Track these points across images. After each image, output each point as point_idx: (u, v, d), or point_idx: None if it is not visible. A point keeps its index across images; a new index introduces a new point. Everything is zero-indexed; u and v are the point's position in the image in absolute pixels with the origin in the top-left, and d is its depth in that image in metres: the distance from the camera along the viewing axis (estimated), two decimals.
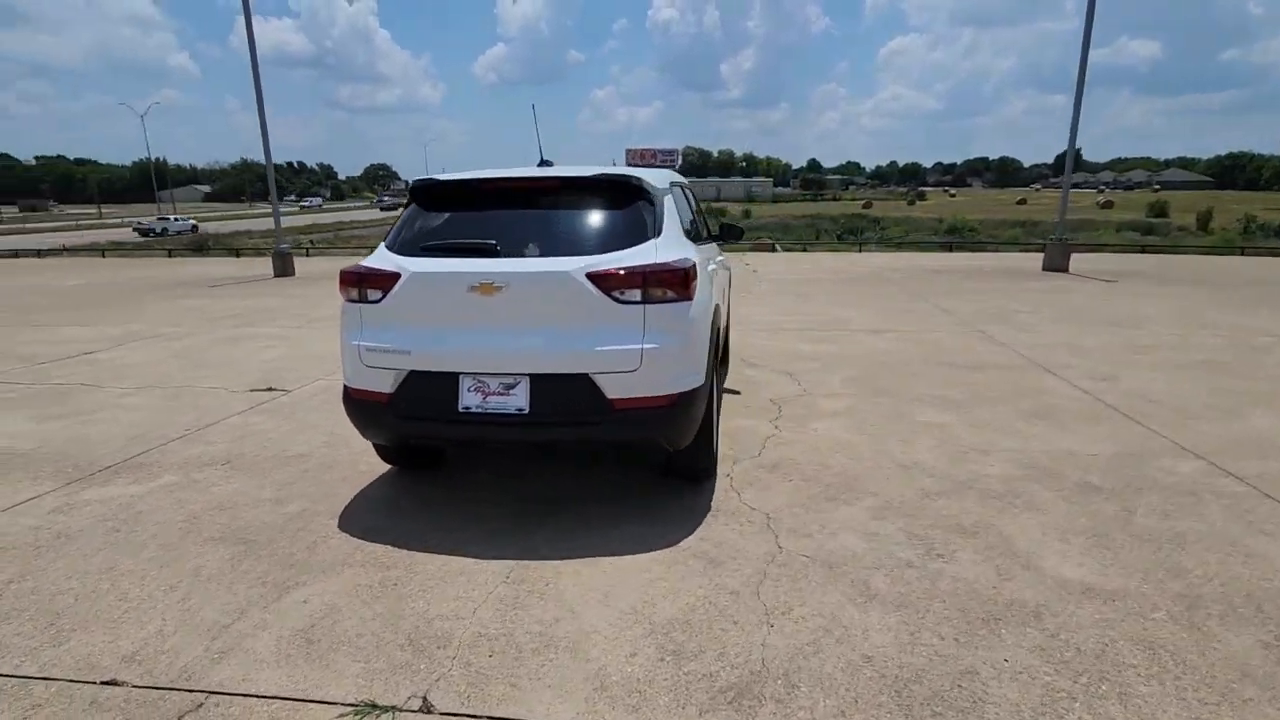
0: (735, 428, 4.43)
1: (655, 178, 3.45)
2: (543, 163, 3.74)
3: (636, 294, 2.88)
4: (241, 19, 14.30)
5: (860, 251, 21.13)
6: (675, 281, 2.95)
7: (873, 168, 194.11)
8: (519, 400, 2.92)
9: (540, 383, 2.90)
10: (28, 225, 54.24)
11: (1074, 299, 9.79)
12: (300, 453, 4.10)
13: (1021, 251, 19.40)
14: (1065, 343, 6.79)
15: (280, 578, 2.74)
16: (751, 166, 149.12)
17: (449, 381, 2.96)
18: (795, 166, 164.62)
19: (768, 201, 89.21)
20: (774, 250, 29.80)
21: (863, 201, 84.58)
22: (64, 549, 3.01)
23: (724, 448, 4.06)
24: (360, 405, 3.13)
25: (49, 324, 9.08)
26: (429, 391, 2.98)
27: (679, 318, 2.97)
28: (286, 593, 2.63)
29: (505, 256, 2.97)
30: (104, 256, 24.13)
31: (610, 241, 3.02)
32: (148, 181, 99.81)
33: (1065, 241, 13.88)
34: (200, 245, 28.02)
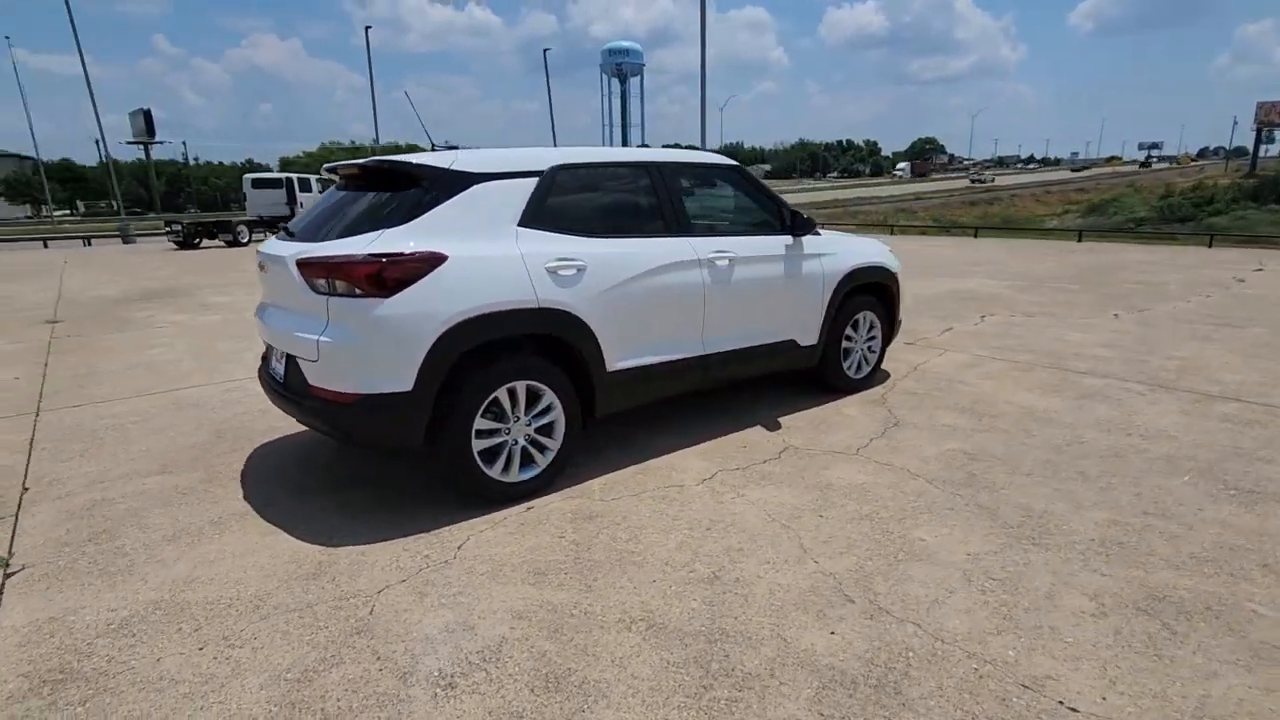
0: (664, 465, 3.60)
1: (475, 163, 3.10)
2: (434, 147, 3.68)
3: (324, 284, 2.81)
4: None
5: None
6: (359, 276, 2.75)
7: None
8: (281, 370, 3.21)
9: (289, 359, 3.13)
10: None
11: None
12: None
13: None
14: None
15: (173, 465, 3.75)
16: None
17: (270, 349, 3.44)
18: None
19: None
20: None
21: None
22: (179, 412, 4.67)
23: (599, 480, 3.42)
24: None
25: None
26: (267, 355, 3.52)
27: (364, 315, 2.76)
28: (157, 476, 3.62)
29: (298, 240, 3.22)
30: None
31: (353, 228, 2.96)
32: None
33: None
34: None
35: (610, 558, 2.73)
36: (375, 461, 3.73)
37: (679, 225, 3.70)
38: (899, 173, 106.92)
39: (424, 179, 3.03)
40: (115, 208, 38.01)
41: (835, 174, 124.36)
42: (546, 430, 3.27)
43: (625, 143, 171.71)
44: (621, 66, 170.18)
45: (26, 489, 3.49)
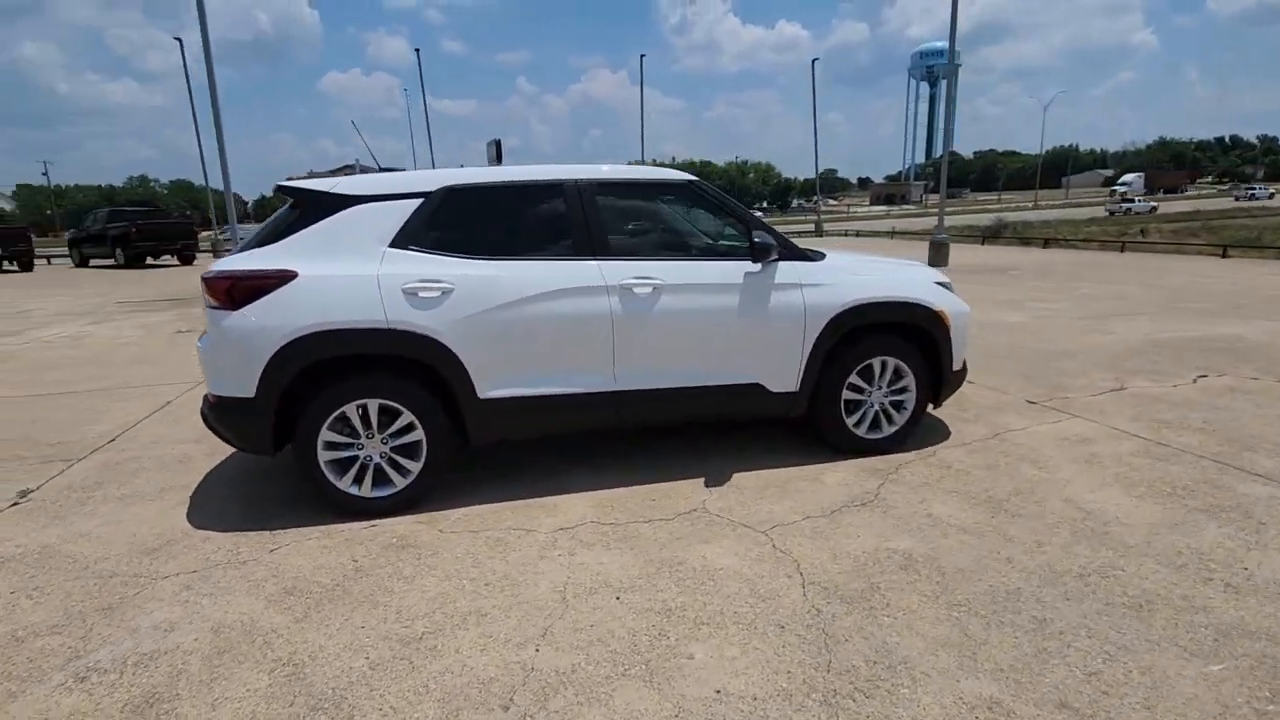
0: (545, 505, 3.32)
1: (357, 186, 3.19)
2: (380, 168, 3.80)
3: (204, 297, 3.15)
4: None
5: None
6: (217, 290, 3.04)
7: None
8: None
9: None
10: (909, 212, 67.99)
11: None
12: None
13: None
14: None
15: (207, 437, 4.52)
16: None
17: None
18: None
19: None
20: None
21: None
22: None
23: (465, 510, 3.29)
24: None
25: None
26: None
27: (219, 324, 3.04)
28: (187, 444, 4.42)
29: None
30: (891, 237, 28.47)
31: (249, 246, 3.26)
32: (1054, 168, 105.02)
33: None
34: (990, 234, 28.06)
35: (364, 592, 2.62)
36: None
37: (591, 248, 3.37)
38: (1122, 186, 75.29)
39: (308, 201, 3.23)
40: None
41: (1209, 179, 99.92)
42: (408, 451, 3.25)
43: (929, 149, 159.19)
44: (933, 69, 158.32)
45: (112, 440, 4.53)
